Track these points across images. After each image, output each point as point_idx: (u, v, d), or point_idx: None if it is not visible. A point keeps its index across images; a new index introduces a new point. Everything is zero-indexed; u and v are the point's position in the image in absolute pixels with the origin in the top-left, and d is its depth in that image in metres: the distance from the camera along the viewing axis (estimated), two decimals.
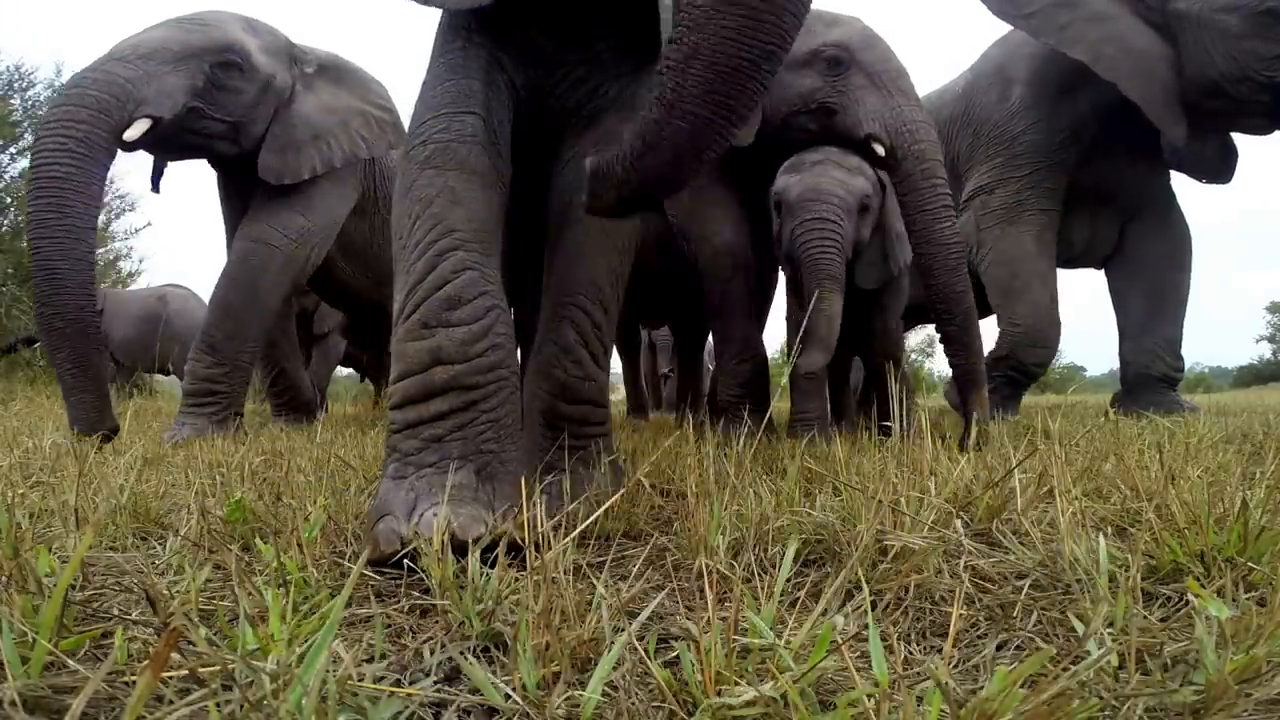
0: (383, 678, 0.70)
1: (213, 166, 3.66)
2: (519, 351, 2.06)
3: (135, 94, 2.79)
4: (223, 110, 3.19)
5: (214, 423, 3.28)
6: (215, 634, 0.77)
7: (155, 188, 3.74)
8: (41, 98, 10.30)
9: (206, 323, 3.41)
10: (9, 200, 10.26)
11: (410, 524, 1.03)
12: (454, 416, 1.16)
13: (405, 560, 1.04)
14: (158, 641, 0.67)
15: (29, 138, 9.64)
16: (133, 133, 2.81)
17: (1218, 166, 4.16)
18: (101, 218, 9.91)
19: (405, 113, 2.78)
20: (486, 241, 1.35)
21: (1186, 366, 4.39)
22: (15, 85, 10.39)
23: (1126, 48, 3.56)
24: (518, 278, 2.45)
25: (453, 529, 0.98)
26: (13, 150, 10.05)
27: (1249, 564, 0.97)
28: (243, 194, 3.59)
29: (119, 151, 2.84)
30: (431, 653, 0.78)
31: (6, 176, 10.08)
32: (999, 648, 0.81)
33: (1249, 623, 0.71)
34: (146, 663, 0.68)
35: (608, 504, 1.05)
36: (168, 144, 3.18)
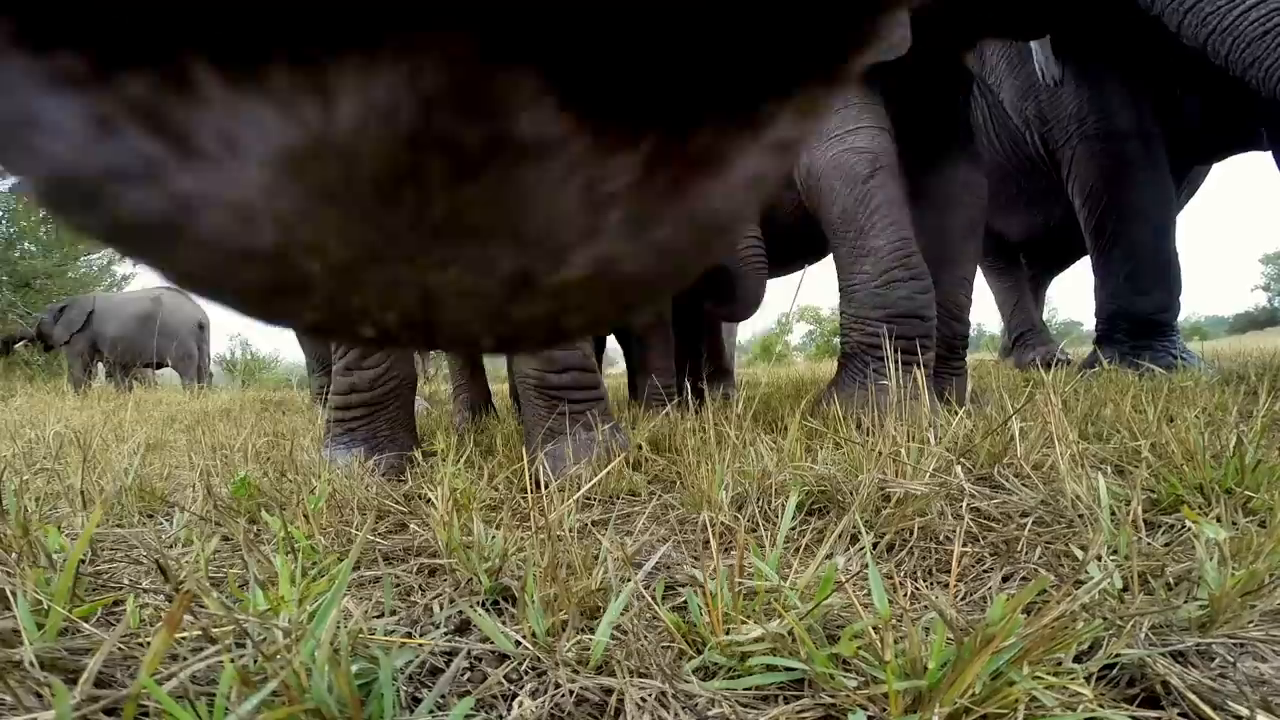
0: (393, 631, 0.71)
1: None
2: None
3: None
4: None
5: None
6: (226, 598, 0.78)
7: None
8: None
9: None
10: (1, 213, 10.22)
11: (329, 461, 1.71)
12: (362, 419, 1.84)
13: (412, 525, 1.09)
14: (172, 604, 0.67)
15: None
16: None
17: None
18: None
19: None
20: None
21: (1183, 316, 4.06)
22: None
23: None
24: None
25: (340, 464, 1.66)
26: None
27: (1247, 493, 0.98)
28: None
29: None
30: (441, 608, 0.79)
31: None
32: (1004, 580, 0.82)
33: (1249, 541, 0.72)
34: (160, 624, 0.68)
35: (612, 464, 1.05)
36: None
